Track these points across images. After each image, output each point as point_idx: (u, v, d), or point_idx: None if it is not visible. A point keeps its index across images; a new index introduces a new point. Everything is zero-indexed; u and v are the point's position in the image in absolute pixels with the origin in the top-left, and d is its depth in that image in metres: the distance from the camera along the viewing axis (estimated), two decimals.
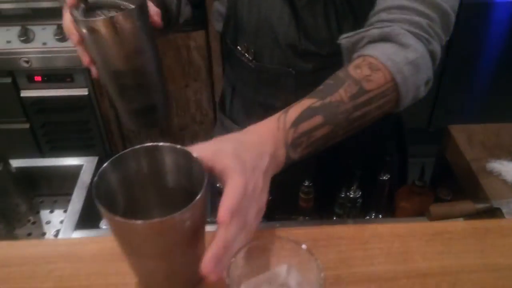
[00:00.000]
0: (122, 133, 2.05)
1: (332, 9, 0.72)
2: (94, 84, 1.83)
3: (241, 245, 0.45)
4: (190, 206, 0.43)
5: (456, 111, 2.08)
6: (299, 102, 0.57)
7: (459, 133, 0.96)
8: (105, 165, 0.47)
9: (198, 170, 0.47)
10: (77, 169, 0.96)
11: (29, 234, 0.93)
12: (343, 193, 0.91)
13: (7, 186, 0.93)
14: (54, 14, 1.68)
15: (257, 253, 0.44)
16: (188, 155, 0.49)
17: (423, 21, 0.62)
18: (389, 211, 0.98)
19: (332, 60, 0.69)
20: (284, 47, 0.77)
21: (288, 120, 0.55)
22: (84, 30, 0.56)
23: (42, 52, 1.70)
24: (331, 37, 0.73)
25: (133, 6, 0.57)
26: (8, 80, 1.77)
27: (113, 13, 0.57)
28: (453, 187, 0.94)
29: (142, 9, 0.57)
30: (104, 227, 0.86)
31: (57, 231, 0.90)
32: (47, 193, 1.01)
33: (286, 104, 0.57)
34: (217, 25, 0.87)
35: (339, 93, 0.57)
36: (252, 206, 0.48)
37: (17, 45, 1.69)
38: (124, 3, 0.61)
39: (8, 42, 1.69)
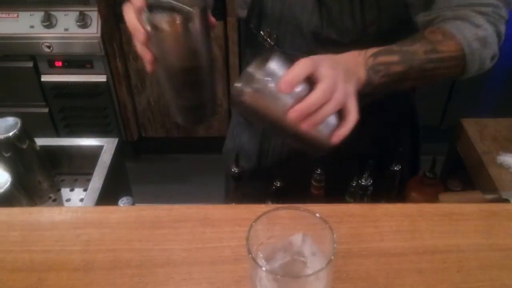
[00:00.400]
0: (138, 120, 2.09)
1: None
2: (112, 71, 1.87)
3: (331, 111, 0.56)
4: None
5: (469, 109, 2.08)
6: (378, 46, 0.66)
7: (471, 126, 0.98)
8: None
9: None
10: (98, 150, 1.00)
11: None
12: (355, 182, 0.93)
13: (32, 164, 0.97)
14: (77, 0, 1.72)
15: (274, 221, 0.46)
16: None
17: (488, 9, 0.69)
18: (399, 201, 1.00)
19: (352, 48, 0.71)
20: (306, 34, 0.79)
21: (368, 52, 0.64)
22: (153, 29, 0.59)
23: (64, 38, 1.75)
24: (354, 26, 0.76)
25: (190, 9, 0.60)
26: (30, 64, 1.82)
27: (175, 15, 0.59)
28: (463, 178, 0.95)
29: (206, 10, 0.61)
30: (122, 205, 0.89)
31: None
32: (68, 171, 1.05)
33: None
34: (240, 12, 0.89)
35: (415, 46, 0.66)
36: (339, 81, 0.57)
37: (39, 30, 1.73)
38: (180, 4, 0.63)
39: (31, 27, 1.74)
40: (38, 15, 1.73)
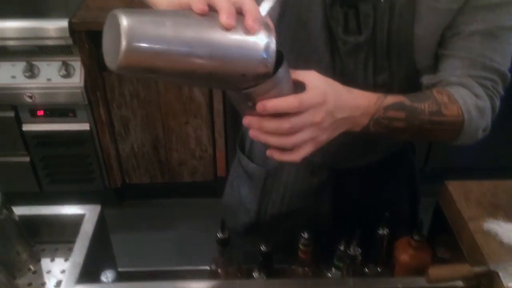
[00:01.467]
0: (121, 166, 2.06)
1: (371, 60, 0.76)
2: (95, 119, 1.85)
3: (275, 144, 0.59)
4: (258, 87, 0.55)
5: (452, 152, 2.11)
6: (396, 95, 0.70)
7: (456, 189, 0.97)
8: None
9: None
10: (79, 218, 0.97)
11: (30, 284, 0.93)
12: (342, 247, 0.92)
13: (10, 235, 0.93)
14: (60, 50, 1.71)
15: None
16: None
17: (488, 83, 0.74)
18: (388, 264, 0.99)
19: None
20: None
21: (384, 102, 0.68)
22: None
23: (46, 88, 1.73)
24: (366, 85, 0.76)
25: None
26: (11, 114, 1.80)
27: None
28: (450, 242, 0.95)
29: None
30: (105, 280, 0.86)
31: (58, 282, 0.90)
32: (48, 240, 1.01)
33: None
34: None
35: (424, 104, 0.70)
36: (305, 130, 0.59)
37: (21, 81, 1.72)
38: None
39: (13, 77, 1.72)
40: (20, 65, 1.71)
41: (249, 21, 0.53)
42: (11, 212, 0.94)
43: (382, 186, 0.97)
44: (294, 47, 0.78)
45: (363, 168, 0.93)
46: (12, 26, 1.64)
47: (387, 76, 0.76)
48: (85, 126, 1.86)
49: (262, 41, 0.54)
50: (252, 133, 0.59)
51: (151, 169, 2.07)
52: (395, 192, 1.01)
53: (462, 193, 0.97)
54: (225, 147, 2.00)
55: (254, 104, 0.56)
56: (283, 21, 0.77)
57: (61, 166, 1.96)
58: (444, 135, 0.73)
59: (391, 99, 0.69)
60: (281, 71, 0.56)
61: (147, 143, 1.98)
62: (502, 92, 0.76)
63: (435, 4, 0.70)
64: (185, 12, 0.54)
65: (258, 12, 0.55)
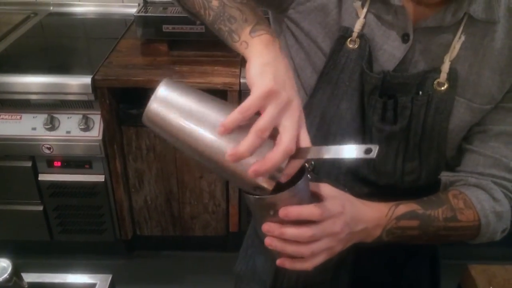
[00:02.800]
0: (133, 218, 2.05)
1: (402, 149, 0.75)
2: (111, 171, 1.86)
3: (291, 253, 0.61)
4: (279, 194, 0.56)
5: None
6: (408, 203, 0.71)
7: (480, 275, 0.94)
8: None
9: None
10: (90, 287, 0.95)
11: None
12: None
13: None
14: (81, 104, 1.74)
15: None
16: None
17: (509, 184, 0.74)
18: None
19: (386, 190, 0.77)
20: (344, 170, 0.79)
21: (396, 213, 0.69)
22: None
23: (65, 140, 1.75)
24: (394, 172, 0.77)
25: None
26: (28, 164, 1.82)
27: None
28: None
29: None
30: None
31: None
32: None
33: None
34: None
35: (438, 211, 0.71)
36: (323, 240, 0.60)
37: (41, 132, 1.74)
38: None
39: (33, 129, 1.75)
40: (41, 118, 1.75)
41: (274, 156, 0.53)
42: (21, 280, 0.93)
43: (404, 265, 0.93)
44: (322, 125, 0.78)
45: (385, 245, 0.91)
46: (37, 81, 1.68)
47: (417, 165, 0.76)
48: (100, 178, 1.86)
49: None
50: (269, 241, 0.59)
51: (163, 222, 2.06)
52: (416, 272, 0.97)
53: (486, 279, 0.94)
54: (238, 202, 1.98)
55: (274, 211, 0.57)
56: (315, 97, 0.77)
57: (73, 216, 1.96)
58: (461, 238, 0.74)
59: (403, 208, 0.70)
60: (303, 181, 0.57)
61: (161, 196, 1.98)
62: None
63: (469, 103, 0.71)
64: (221, 108, 0.56)
65: (290, 147, 0.53)
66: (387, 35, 0.71)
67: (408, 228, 0.70)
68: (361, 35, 0.71)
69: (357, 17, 0.71)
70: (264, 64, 0.56)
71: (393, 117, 0.73)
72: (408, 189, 0.78)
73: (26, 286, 0.94)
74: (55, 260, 2.03)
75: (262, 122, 0.52)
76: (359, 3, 0.71)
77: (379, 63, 0.72)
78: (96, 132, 1.76)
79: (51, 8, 2.22)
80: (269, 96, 0.53)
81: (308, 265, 0.62)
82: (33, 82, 1.68)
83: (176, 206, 2.01)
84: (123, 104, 1.79)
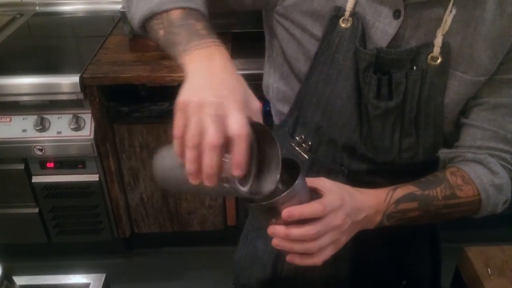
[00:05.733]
0: (130, 216, 2.04)
1: (398, 125, 0.75)
2: (105, 170, 1.85)
3: (298, 251, 0.61)
4: (281, 197, 0.57)
5: None
6: (405, 185, 0.72)
7: (477, 256, 0.93)
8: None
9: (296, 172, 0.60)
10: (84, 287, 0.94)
11: None
12: None
13: None
14: (71, 104, 1.72)
15: None
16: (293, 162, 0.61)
17: (508, 156, 0.74)
18: None
19: (384, 167, 0.78)
20: (341, 148, 0.80)
21: (394, 197, 0.70)
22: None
23: (56, 141, 1.74)
24: (391, 149, 0.77)
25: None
26: (21, 166, 1.80)
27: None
28: None
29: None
30: None
31: None
32: None
33: None
34: (276, 104, 0.88)
35: (436, 190, 0.72)
36: (328, 234, 0.61)
37: (32, 134, 1.72)
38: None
39: (24, 131, 1.73)
40: (31, 119, 1.73)
41: (234, 170, 0.50)
42: (13, 283, 0.91)
43: (405, 246, 0.93)
44: (318, 105, 0.78)
45: (385, 229, 0.90)
46: (25, 82, 1.66)
47: (413, 141, 0.76)
48: (95, 177, 1.85)
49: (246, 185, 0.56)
50: (276, 242, 0.61)
51: (160, 219, 2.04)
52: (417, 254, 0.97)
53: (483, 260, 0.93)
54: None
55: (276, 214, 0.58)
56: (311, 79, 0.77)
57: (69, 217, 1.95)
58: (462, 214, 0.74)
59: (400, 191, 0.71)
60: (299, 180, 0.58)
61: (157, 193, 1.96)
62: None
63: (463, 76, 0.71)
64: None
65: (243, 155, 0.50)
66: (378, 12, 0.71)
67: (408, 210, 0.71)
68: (353, 14, 0.71)
69: None
70: (187, 82, 0.55)
71: (388, 93, 0.73)
72: (406, 165, 0.78)
73: None
74: (54, 262, 2.02)
75: (187, 133, 0.51)
76: None
77: (372, 41, 0.73)
78: (87, 132, 1.74)
79: (37, 8, 2.19)
80: (182, 109, 0.52)
81: (317, 260, 0.63)
82: (21, 83, 1.66)
83: (173, 202, 1.99)
84: (114, 101, 1.77)
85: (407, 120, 0.74)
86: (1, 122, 1.73)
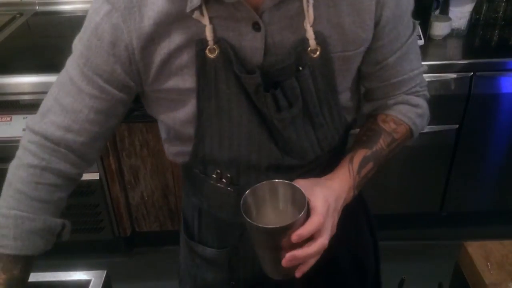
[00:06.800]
0: (131, 215, 2.04)
1: (308, 123, 0.76)
2: (105, 169, 1.85)
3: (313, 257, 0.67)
4: (295, 220, 0.63)
5: (468, 195, 2.06)
6: (356, 152, 0.78)
7: (476, 251, 0.93)
8: (246, 192, 0.69)
9: (300, 197, 0.67)
10: (85, 284, 0.95)
11: None
12: None
13: None
14: None
15: None
16: (294, 186, 0.69)
17: (417, 88, 0.83)
18: None
19: (312, 166, 0.81)
20: (265, 169, 0.78)
21: (354, 168, 0.76)
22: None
23: None
24: (311, 147, 0.78)
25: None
26: None
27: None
28: None
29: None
30: None
31: None
32: None
33: None
34: (177, 159, 0.85)
35: (380, 142, 0.79)
36: (328, 234, 0.67)
37: None
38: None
39: (24, 130, 1.73)
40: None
41: None
42: None
43: (351, 238, 0.93)
44: (222, 139, 0.75)
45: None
46: (25, 81, 1.66)
47: (326, 128, 0.78)
48: (95, 176, 1.85)
49: None
50: (290, 264, 0.65)
51: (161, 217, 2.05)
52: (362, 242, 0.99)
53: (483, 255, 0.93)
54: None
55: (285, 235, 0.64)
56: (202, 117, 0.74)
57: (70, 216, 1.92)
58: (402, 147, 0.84)
59: (356, 160, 0.77)
60: (305, 211, 0.65)
61: (157, 191, 1.97)
62: (425, 82, 0.85)
63: (344, 53, 0.72)
64: None
65: None
66: (238, 31, 0.68)
67: (368, 173, 0.78)
68: (217, 41, 0.68)
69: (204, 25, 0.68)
70: None
71: (287, 102, 0.72)
72: (330, 151, 0.81)
73: None
74: (55, 261, 2.01)
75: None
76: (197, 13, 0.67)
77: (248, 61, 0.70)
78: None
79: (37, 7, 2.19)
80: None
81: (317, 257, 0.68)
82: (22, 82, 1.66)
83: (173, 200, 2.00)
84: None
85: (314, 115, 0.75)
86: (2, 121, 1.74)
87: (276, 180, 0.71)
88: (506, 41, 1.87)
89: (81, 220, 1.96)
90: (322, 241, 0.65)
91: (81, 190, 1.87)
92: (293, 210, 0.70)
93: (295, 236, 0.63)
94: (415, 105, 0.82)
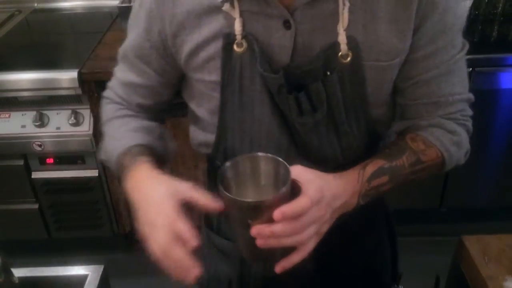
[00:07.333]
0: (130, 212, 2.03)
1: (333, 131, 0.73)
2: (104, 166, 1.85)
3: (287, 245, 0.60)
4: (277, 195, 0.59)
5: (467, 191, 2.05)
6: (372, 161, 0.71)
7: (474, 245, 0.93)
8: (226, 164, 0.65)
9: (284, 171, 0.62)
10: (82, 279, 0.94)
11: None
12: None
13: None
14: (70, 100, 1.73)
15: None
16: (278, 160, 0.64)
17: (457, 115, 0.76)
18: None
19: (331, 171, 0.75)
20: None
21: (365, 175, 0.69)
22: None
23: (55, 136, 1.74)
24: (334, 154, 0.75)
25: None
26: (20, 162, 1.80)
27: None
28: None
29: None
30: None
31: None
32: None
33: None
34: (201, 149, 0.85)
35: (402, 159, 0.72)
36: (313, 226, 0.61)
37: (31, 130, 1.73)
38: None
39: (23, 126, 1.74)
40: (30, 115, 1.73)
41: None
42: (11, 275, 0.92)
43: (365, 233, 0.90)
44: (243, 134, 0.74)
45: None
46: (24, 77, 1.66)
47: (352, 139, 0.74)
48: (94, 173, 1.85)
49: None
50: (262, 242, 0.60)
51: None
52: (377, 237, 0.95)
53: (480, 249, 0.93)
54: None
55: (262, 213, 0.58)
56: (226, 110, 0.74)
57: (69, 213, 1.95)
58: (428, 175, 0.76)
59: (370, 168, 0.70)
60: (287, 187, 0.60)
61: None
62: (471, 113, 0.78)
63: (377, 63, 0.69)
64: None
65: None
66: (268, 28, 0.67)
67: (380, 186, 0.71)
68: (245, 36, 0.67)
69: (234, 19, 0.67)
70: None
71: (311, 106, 0.69)
72: (355, 161, 0.74)
73: (17, 281, 0.93)
74: (54, 258, 2.03)
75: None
76: (227, 5, 0.66)
77: (274, 60, 0.68)
78: (86, 127, 1.74)
79: (36, 4, 2.19)
80: None
81: (302, 253, 0.63)
82: (20, 79, 1.67)
83: None
84: None
85: (339, 123, 0.72)
86: (0, 118, 1.74)
87: (259, 153, 0.65)
88: (505, 36, 1.86)
89: (80, 217, 1.97)
90: (297, 226, 0.59)
91: (80, 186, 1.87)
92: (276, 187, 0.64)
93: (278, 213, 0.57)
94: (451, 131, 0.74)
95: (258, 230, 0.59)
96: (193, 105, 0.80)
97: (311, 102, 0.69)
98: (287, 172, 0.61)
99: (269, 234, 0.59)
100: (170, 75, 0.78)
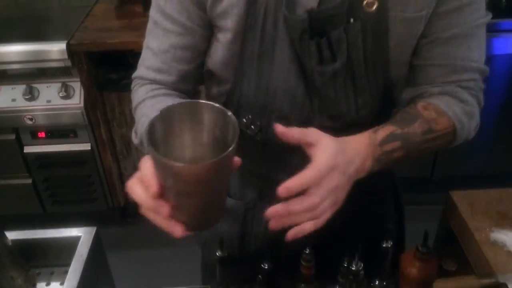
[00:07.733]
0: (124, 186, 2.04)
1: (350, 84, 0.72)
2: (96, 139, 1.85)
3: (304, 221, 0.57)
4: (223, 156, 0.48)
5: (458, 159, 2.07)
6: (383, 126, 0.68)
7: (461, 200, 0.95)
8: (155, 116, 0.53)
9: (232, 126, 0.52)
10: (75, 240, 0.95)
11: None
12: (345, 263, 0.89)
13: (2, 260, 0.92)
14: (59, 72, 1.71)
15: None
16: (225, 112, 0.53)
17: (471, 83, 0.73)
18: (393, 277, 0.95)
19: (343, 134, 0.71)
20: (294, 123, 0.75)
21: (377, 139, 0.67)
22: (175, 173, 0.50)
23: (46, 110, 1.73)
24: (348, 111, 0.74)
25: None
26: (12, 136, 1.80)
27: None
28: (457, 254, 0.91)
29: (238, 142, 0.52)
30: None
31: None
32: (43, 264, 1.00)
33: (289, 177, 0.57)
34: (214, 101, 0.85)
35: (414, 126, 0.69)
36: (328, 197, 0.58)
37: (21, 103, 1.72)
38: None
39: (13, 100, 1.72)
40: (20, 88, 1.72)
41: None
42: (4, 237, 0.93)
43: (372, 200, 0.90)
44: (259, 83, 0.74)
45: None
46: (12, 50, 1.64)
47: (368, 96, 0.73)
48: (87, 146, 1.85)
49: None
50: (275, 224, 0.57)
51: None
52: (383, 204, 0.96)
53: (468, 203, 0.95)
54: None
55: (195, 182, 0.50)
56: (245, 58, 0.73)
57: (63, 187, 1.95)
58: (440, 146, 0.74)
59: (381, 132, 0.67)
60: (233, 148, 0.50)
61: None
62: (483, 86, 0.76)
63: (403, 14, 0.68)
64: None
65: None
66: None
67: (393, 151, 0.68)
68: None
69: None
70: None
71: (331, 55, 0.68)
72: (365, 123, 0.74)
73: (10, 244, 0.94)
74: None
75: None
76: None
77: (300, 3, 0.67)
78: (77, 100, 1.73)
79: None
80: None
81: (318, 223, 0.60)
82: (9, 51, 1.65)
83: None
84: (102, 69, 1.76)
85: (358, 76, 0.71)
86: None
87: (201, 101, 0.55)
88: (498, 2, 1.85)
89: (74, 191, 1.97)
90: (312, 201, 0.57)
91: (73, 160, 1.87)
92: (220, 144, 0.54)
93: (283, 189, 0.55)
94: (464, 101, 0.72)
95: (274, 210, 0.56)
96: (207, 58, 0.79)
97: (332, 51, 0.68)
98: (235, 129, 0.51)
99: (286, 213, 0.56)
100: (210, 26, 0.75)
